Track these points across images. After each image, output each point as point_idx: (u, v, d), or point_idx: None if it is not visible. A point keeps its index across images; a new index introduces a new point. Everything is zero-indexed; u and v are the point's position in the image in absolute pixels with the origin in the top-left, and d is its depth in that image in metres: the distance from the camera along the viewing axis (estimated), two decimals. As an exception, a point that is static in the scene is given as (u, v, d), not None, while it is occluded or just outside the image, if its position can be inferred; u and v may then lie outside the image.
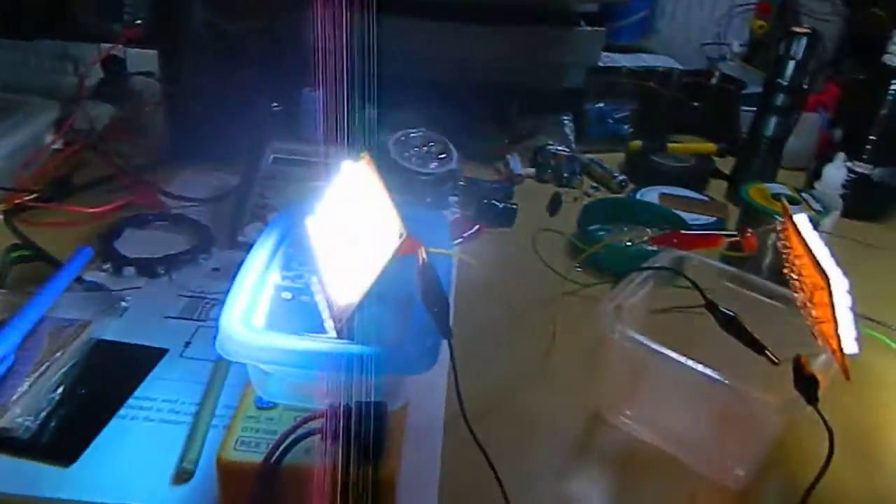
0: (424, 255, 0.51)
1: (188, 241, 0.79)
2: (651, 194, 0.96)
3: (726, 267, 0.63)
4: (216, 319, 0.66)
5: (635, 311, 0.60)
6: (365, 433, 0.48)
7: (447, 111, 1.06)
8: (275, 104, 0.93)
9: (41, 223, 0.79)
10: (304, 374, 0.51)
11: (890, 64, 0.92)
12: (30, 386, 0.54)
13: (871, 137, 0.96)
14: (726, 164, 1.08)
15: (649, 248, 0.80)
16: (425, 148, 0.99)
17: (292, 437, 0.48)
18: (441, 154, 0.98)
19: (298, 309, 0.54)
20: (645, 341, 0.53)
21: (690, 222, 0.88)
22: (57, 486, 0.50)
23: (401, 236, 0.48)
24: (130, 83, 0.94)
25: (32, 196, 0.80)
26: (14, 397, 0.53)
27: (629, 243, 0.82)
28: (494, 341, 0.71)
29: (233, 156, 0.95)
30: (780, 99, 0.94)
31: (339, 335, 0.50)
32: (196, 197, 0.87)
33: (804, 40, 0.91)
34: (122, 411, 0.56)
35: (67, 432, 0.54)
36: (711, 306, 0.55)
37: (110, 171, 0.87)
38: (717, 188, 1.04)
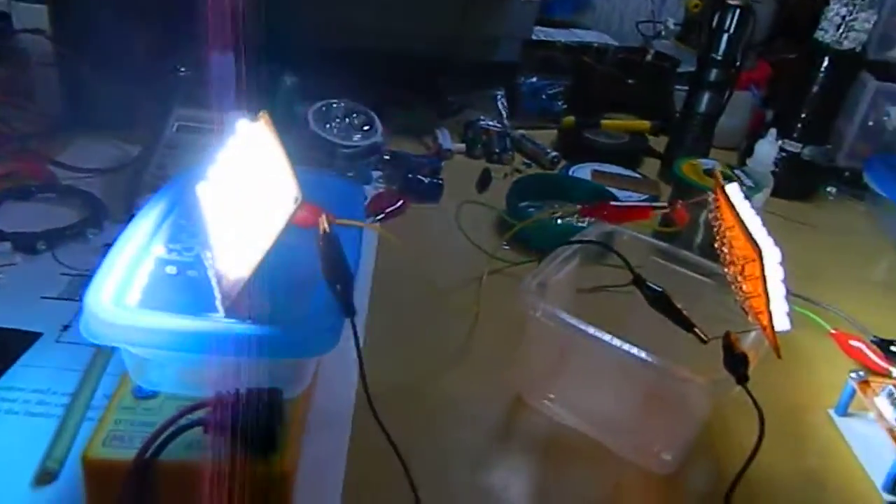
0: (326, 225, 0.46)
1: (77, 214, 0.72)
2: (583, 171, 0.93)
3: (656, 241, 0.60)
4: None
5: (560, 289, 0.56)
6: (256, 424, 0.42)
7: (375, 83, 1.00)
8: (181, 68, 0.85)
9: None
10: (190, 359, 0.45)
11: (821, 41, 0.91)
12: None
13: (802, 116, 0.95)
14: (660, 143, 1.06)
15: (579, 223, 0.76)
16: (348, 119, 0.93)
17: (171, 429, 0.42)
18: (365, 126, 0.92)
19: (185, 285, 0.48)
20: (568, 319, 0.49)
21: (623, 199, 0.85)
22: None
23: (296, 201, 0.43)
24: (16, 41, 0.84)
25: None
26: None
27: (559, 220, 0.79)
28: (414, 322, 0.66)
29: (134, 123, 0.87)
30: (712, 74, 0.92)
31: (228, 314, 0.44)
32: (89, 167, 0.79)
33: (737, 13, 0.89)
34: (-21, 404, 0.49)
35: None
36: (639, 281, 0.51)
37: (-10, 138, 0.78)
38: (651, 166, 1.02)
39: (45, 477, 0.45)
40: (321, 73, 0.96)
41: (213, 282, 0.48)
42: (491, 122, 1.03)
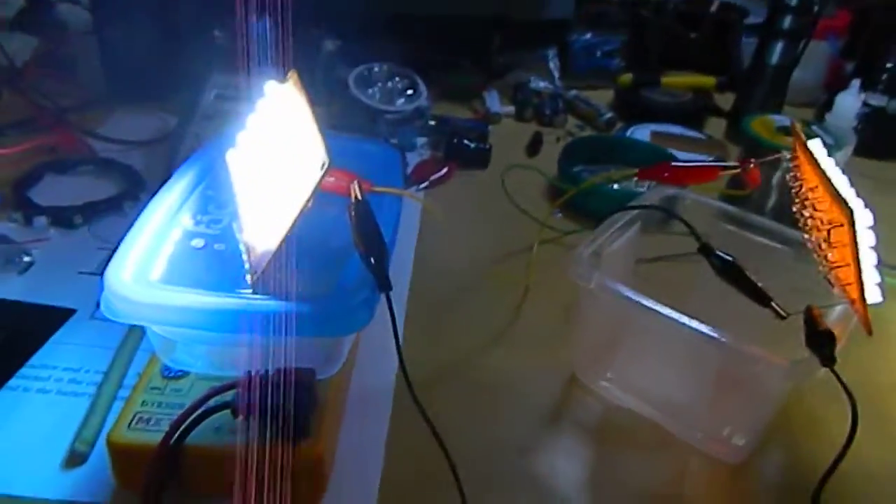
0: (358, 192, 0.42)
1: (115, 187, 0.70)
2: (642, 132, 0.87)
3: (724, 205, 0.54)
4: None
5: (617, 259, 0.51)
6: (287, 406, 0.40)
7: (419, 45, 0.96)
8: (217, 34, 0.83)
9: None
10: (217, 338, 0.42)
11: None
12: None
13: (888, 66, 0.86)
14: (726, 101, 0.98)
15: (638, 188, 0.71)
16: (390, 83, 0.89)
17: (198, 412, 0.40)
18: (408, 90, 0.88)
19: (212, 259, 0.45)
20: (628, 292, 0.44)
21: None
22: (-79, 474, 0.42)
23: (322, 167, 0.39)
24: (55, 12, 0.83)
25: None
26: None
27: (615, 185, 0.73)
28: (459, 296, 0.62)
29: (173, 93, 0.85)
30: (786, 21, 0.83)
31: (256, 289, 0.41)
32: (129, 139, 0.77)
33: (815, -47, 0.80)
34: (12, 382, 0.48)
35: (-58, 408, 0.45)
36: (707, 250, 0.46)
37: (30, 112, 0.77)
38: (716, 126, 0.95)
39: (74, 459, 0.43)
40: (364, 36, 0.92)
41: (244, 255, 0.45)
42: (542, 83, 0.97)
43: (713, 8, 1.07)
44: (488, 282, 0.64)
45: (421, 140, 0.85)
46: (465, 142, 0.79)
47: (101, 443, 0.44)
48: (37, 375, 0.49)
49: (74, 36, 0.85)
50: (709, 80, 0.97)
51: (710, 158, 0.81)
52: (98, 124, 0.80)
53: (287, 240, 0.40)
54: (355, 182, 0.42)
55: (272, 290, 0.40)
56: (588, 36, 1.02)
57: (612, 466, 0.47)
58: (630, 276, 0.51)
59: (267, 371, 0.40)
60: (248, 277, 0.43)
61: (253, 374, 0.40)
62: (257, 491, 0.38)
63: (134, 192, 0.68)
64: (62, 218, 0.63)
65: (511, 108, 0.93)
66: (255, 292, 0.41)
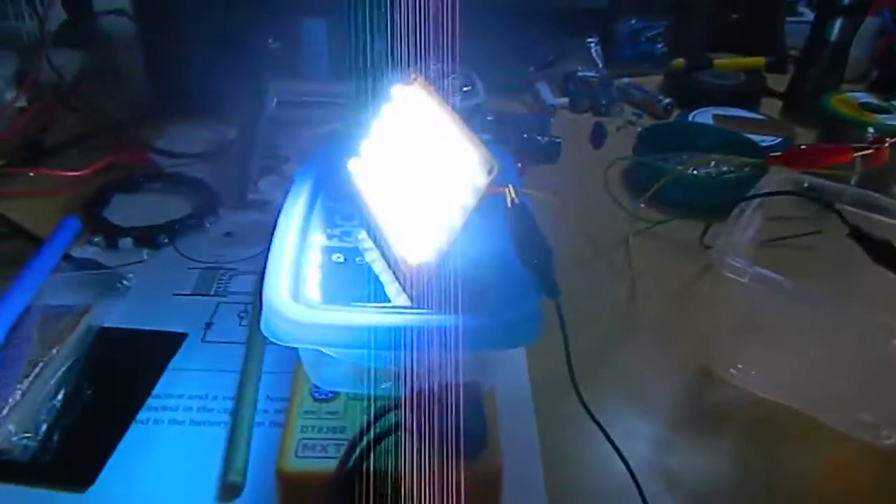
0: (514, 195, 0.40)
1: (189, 203, 0.68)
2: (703, 116, 0.85)
3: (847, 187, 0.53)
4: (242, 293, 0.57)
5: (749, 248, 0.50)
6: (462, 421, 0.38)
7: (466, 39, 0.93)
8: (271, 41, 0.80)
9: (12, 194, 0.67)
10: (370, 355, 0.40)
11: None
12: (23, 394, 0.43)
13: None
14: (774, 81, 0.97)
15: (725, 176, 0.70)
16: (446, 81, 0.87)
17: (369, 435, 0.38)
18: (464, 87, 0.86)
19: (354, 274, 0.43)
20: (787, 284, 0.43)
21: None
22: (73, 518, 0.40)
23: (490, 171, 0.38)
24: (99, 24, 0.80)
25: (1, 163, 0.68)
26: (5, 410, 0.42)
27: (694, 172, 0.72)
28: (567, 291, 0.60)
29: (225, 103, 0.82)
30: (847, -3, 0.83)
31: (414, 303, 0.40)
32: (190, 152, 0.75)
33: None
34: (141, 415, 0.46)
35: (78, 448, 0.43)
36: (858, 233, 0.45)
37: (87, 129, 0.74)
38: (768, 107, 0.94)
39: (230, 491, 0.41)
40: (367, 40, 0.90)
41: (380, 267, 0.44)
42: (590, 73, 0.96)
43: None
44: (590, 276, 0.62)
45: (484, 137, 0.83)
46: (537, 137, 0.77)
47: (254, 472, 0.42)
48: (164, 405, 0.47)
49: (119, 49, 0.82)
50: (759, 61, 0.96)
51: (778, 139, 0.81)
52: (152, 139, 0.78)
53: (449, 250, 0.38)
54: (510, 186, 0.40)
55: (433, 303, 0.39)
56: (633, 22, 1.01)
57: (758, 457, 0.45)
58: (759, 263, 0.50)
59: (436, 387, 0.38)
60: (393, 290, 0.41)
61: (420, 390, 0.38)
62: (438, 512, 0.37)
63: (211, 206, 0.66)
64: (147, 238, 0.61)
65: (565, 100, 0.92)
66: (415, 307, 0.39)
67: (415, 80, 0.46)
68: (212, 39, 0.81)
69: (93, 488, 0.41)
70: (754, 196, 0.50)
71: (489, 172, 0.37)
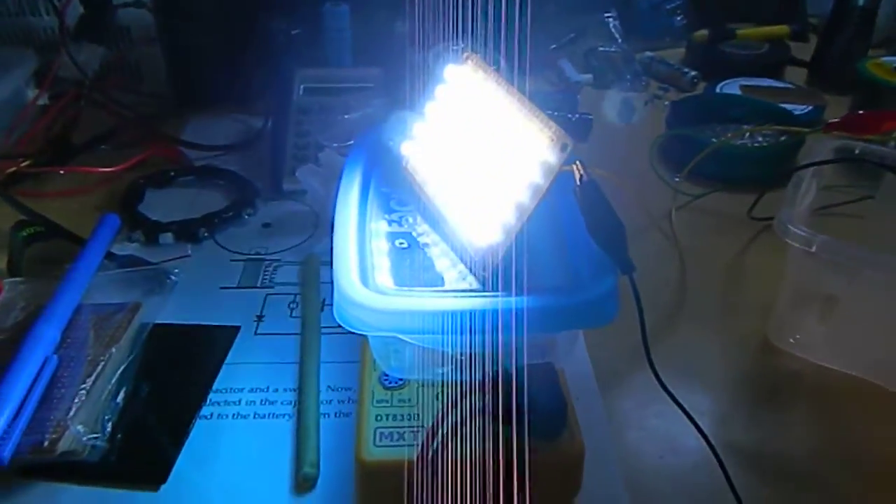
0: (582, 171, 0.40)
1: (224, 196, 0.67)
2: (731, 87, 0.84)
3: (900, 152, 0.52)
4: (289, 284, 0.56)
5: (806, 217, 0.49)
6: (542, 403, 0.38)
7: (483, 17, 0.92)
8: (293, 29, 0.79)
9: (43, 193, 0.66)
10: (447, 340, 0.40)
11: None
12: (88, 393, 0.43)
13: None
14: (797, 50, 0.96)
15: (755, 145, 0.69)
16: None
17: (449, 420, 0.38)
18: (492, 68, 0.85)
19: (425, 258, 0.42)
20: (853, 248, 0.43)
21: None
22: (150, 517, 0.39)
23: (564, 148, 0.37)
24: (118, 17, 0.79)
25: (27, 162, 0.67)
26: (72, 412, 0.41)
27: (731, 143, 0.71)
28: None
29: (249, 92, 0.81)
30: (874, -40, 0.82)
31: (485, 285, 0.39)
32: (219, 144, 0.74)
33: None
34: (204, 410, 0.45)
35: (145, 446, 0.43)
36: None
37: (113, 124, 0.73)
38: (793, 75, 0.93)
39: (305, 483, 0.40)
40: (423, 16, 0.88)
41: (436, 252, 0.43)
42: (610, 48, 0.95)
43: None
44: (637, 252, 0.62)
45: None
46: (568, 115, 0.76)
47: (326, 463, 0.42)
48: (226, 400, 0.46)
49: (138, 42, 0.81)
50: (783, 29, 0.95)
51: (810, 107, 0.80)
52: (178, 132, 0.77)
53: (521, 230, 0.37)
54: (577, 162, 0.40)
55: (503, 285, 0.38)
56: (651, -6, 0.99)
57: (831, 427, 0.45)
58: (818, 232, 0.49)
59: (513, 370, 0.38)
60: (452, 275, 0.41)
61: (498, 374, 0.38)
62: (520, 494, 0.37)
63: (248, 198, 0.65)
64: (187, 232, 0.60)
65: (588, 76, 0.91)
66: (485, 289, 0.39)
67: (468, 59, 0.45)
68: (232, 28, 0.80)
69: (165, 486, 0.41)
70: (810, 164, 0.49)
71: (562, 149, 0.37)
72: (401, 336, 0.37)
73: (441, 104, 0.45)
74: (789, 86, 0.86)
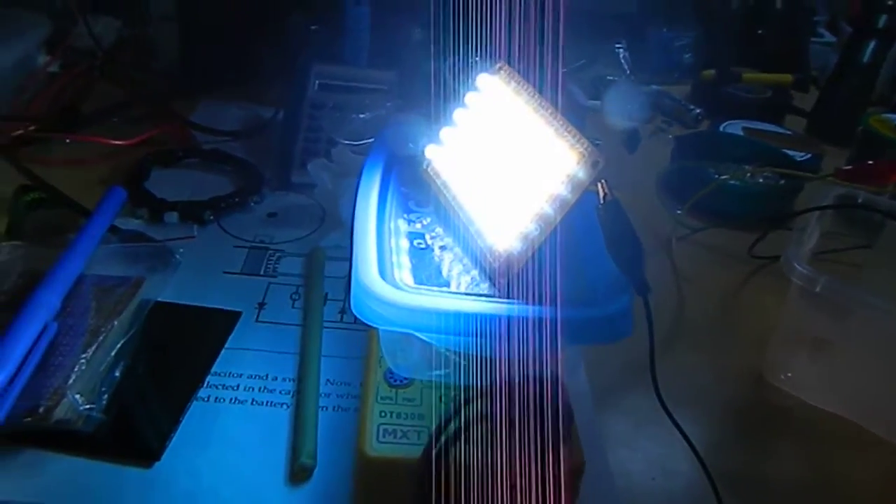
0: (607, 190, 0.40)
1: (230, 181, 0.67)
2: (733, 128, 0.86)
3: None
4: (292, 275, 0.56)
5: (806, 259, 0.50)
6: (548, 412, 0.38)
7: (500, 35, 0.93)
8: (313, 24, 0.79)
9: (48, 160, 0.65)
10: (462, 342, 0.40)
11: None
12: (87, 363, 0.42)
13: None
14: (799, 99, 0.99)
15: (757, 185, 0.71)
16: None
17: (455, 423, 0.38)
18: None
19: (437, 260, 0.42)
20: (856, 291, 0.44)
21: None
22: (141, 494, 0.38)
23: (595, 165, 0.38)
24: (137, -5, 0.79)
25: (34, 127, 0.66)
26: (71, 380, 0.41)
27: (734, 182, 0.73)
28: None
29: (261, 81, 0.81)
30: (882, 20, 0.84)
31: (501, 292, 0.39)
32: (227, 129, 0.73)
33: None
34: (202, 392, 0.45)
35: (140, 422, 0.42)
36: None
37: (124, 98, 0.72)
38: (792, 124, 0.95)
39: (302, 473, 0.40)
40: (451, 25, 0.89)
41: (448, 255, 0.43)
42: (621, 79, 0.97)
43: (779, 3, 1.07)
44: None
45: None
46: (576, 137, 0.77)
47: (323, 455, 0.41)
48: (224, 384, 0.46)
49: (155, 19, 0.80)
50: (786, 77, 0.97)
51: (808, 155, 0.82)
52: (187, 113, 0.76)
53: (544, 240, 0.38)
54: (603, 181, 0.40)
55: (520, 293, 0.39)
56: (664, 31, 1.02)
57: (812, 467, 0.46)
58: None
59: (523, 378, 0.38)
60: (492, 280, 0.41)
61: (507, 381, 0.38)
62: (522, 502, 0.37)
63: (255, 186, 0.65)
64: (193, 214, 0.60)
65: (596, 103, 0.92)
66: (500, 296, 0.39)
67: (501, 69, 0.46)
68: (251, 16, 0.80)
69: (158, 464, 0.40)
70: (821, 207, 0.51)
71: (593, 166, 0.37)
72: (417, 333, 0.37)
73: (471, 111, 0.46)
74: (789, 132, 0.88)
